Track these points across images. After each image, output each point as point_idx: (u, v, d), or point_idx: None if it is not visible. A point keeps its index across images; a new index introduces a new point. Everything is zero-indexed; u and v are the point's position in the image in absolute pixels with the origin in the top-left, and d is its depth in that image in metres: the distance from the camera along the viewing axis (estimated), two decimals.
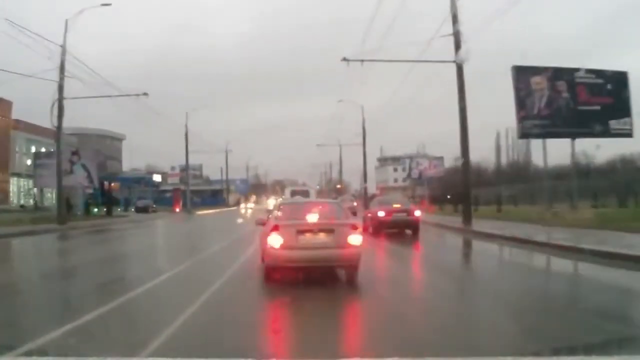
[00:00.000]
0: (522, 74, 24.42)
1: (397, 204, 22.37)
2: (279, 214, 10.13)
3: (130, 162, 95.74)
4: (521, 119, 24.16)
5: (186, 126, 54.65)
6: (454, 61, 24.28)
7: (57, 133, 32.53)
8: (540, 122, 24.45)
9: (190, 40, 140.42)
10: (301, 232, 9.09)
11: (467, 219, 23.84)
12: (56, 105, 31.18)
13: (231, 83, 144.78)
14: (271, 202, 37.11)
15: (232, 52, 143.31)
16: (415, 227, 21.06)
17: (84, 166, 45.06)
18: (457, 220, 26.61)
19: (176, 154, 63.25)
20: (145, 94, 30.84)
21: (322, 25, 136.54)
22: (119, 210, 58.39)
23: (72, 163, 45.02)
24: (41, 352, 5.16)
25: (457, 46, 24.10)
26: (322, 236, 9.11)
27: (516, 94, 24.21)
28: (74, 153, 45.76)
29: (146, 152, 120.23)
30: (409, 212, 21.42)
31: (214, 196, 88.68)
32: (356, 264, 9.33)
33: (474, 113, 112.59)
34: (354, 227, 9.36)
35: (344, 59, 24.22)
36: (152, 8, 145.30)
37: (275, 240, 9.04)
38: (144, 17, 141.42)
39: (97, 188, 47.20)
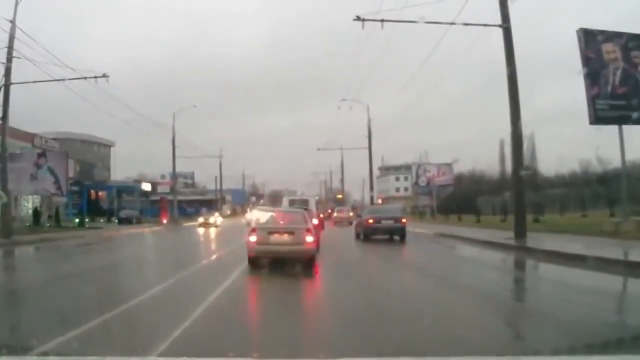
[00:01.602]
0: (592, 40, 17.83)
1: (386, 212, 24.11)
2: (260, 219, 13.54)
3: (124, 170, 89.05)
4: (594, 98, 17.43)
5: (173, 128, 48.07)
6: (500, 25, 17.86)
7: (2, 126, 25.76)
8: (615, 102, 17.75)
9: (198, 49, 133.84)
10: (271, 233, 12.24)
11: (521, 232, 17.09)
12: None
13: (234, 92, 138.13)
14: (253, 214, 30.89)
15: (238, 62, 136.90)
16: (402, 233, 22.01)
17: (50, 170, 38.31)
18: (496, 235, 20.01)
19: (178, 163, 57.55)
20: (105, 75, 24.08)
21: (330, 37, 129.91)
22: (101, 220, 52.10)
23: (38, 167, 38.38)
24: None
25: (503, 6, 17.73)
26: (286, 236, 12.15)
27: (585, 65, 17.54)
28: (41, 155, 39.08)
29: (142, 160, 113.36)
30: (397, 220, 22.40)
31: (209, 207, 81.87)
32: (312, 255, 12.36)
33: (476, 122, 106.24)
34: (309, 230, 12.25)
35: (358, 18, 17.55)
36: (163, 17, 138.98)
37: (253, 238, 12.13)
38: (154, 26, 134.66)
39: (65, 195, 40.30)
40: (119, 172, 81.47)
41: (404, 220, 22.66)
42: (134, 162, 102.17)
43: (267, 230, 12.21)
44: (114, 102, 45.89)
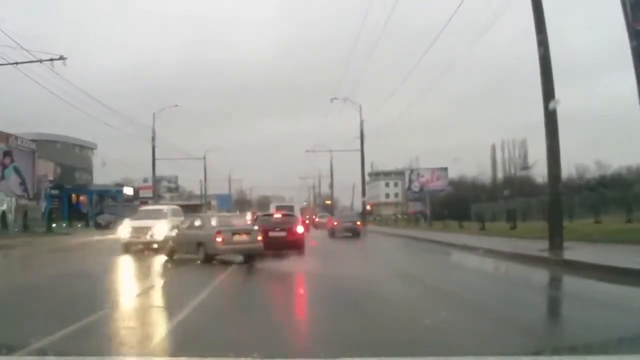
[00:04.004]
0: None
1: (347, 217, 33.89)
2: (220, 222, 15.77)
3: (110, 174, 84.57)
4: None
5: (153, 129, 44.06)
6: None
7: None
8: None
9: (193, 56, 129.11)
10: (234, 233, 14.75)
11: (558, 243, 13.54)
12: None
13: (225, 98, 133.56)
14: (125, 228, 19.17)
15: (233, 69, 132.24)
16: (357, 232, 29.90)
17: (17, 170, 34.37)
18: (520, 245, 16.53)
19: (161, 166, 53.76)
20: (62, 58, 20.36)
21: (330, 47, 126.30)
22: (79, 226, 48.34)
23: (4, 167, 34.40)
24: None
25: None
26: (244, 236, 14.90)
27: (633, 38, 14.07)
28: (6, 154, 35.03)
29: (129, 164, 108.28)
30: (354, 223, 30.84)
31: (194, 212, 77.55)
32: (262, 251, 15.02)
33: (466, 129, 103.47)
34: (258, 231, 15.44)
35: None
36: (165, 24, 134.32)
37: (219, 239, 14.22)
38: (157, 33, 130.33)
39: (32, 198, 36.21)
40: (106, 176, 77.27)
41: (359, 223, 31.67)
42: (119, 165, 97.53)
43: (231, 232, 14.73)
44: (96, 104, 42.07)
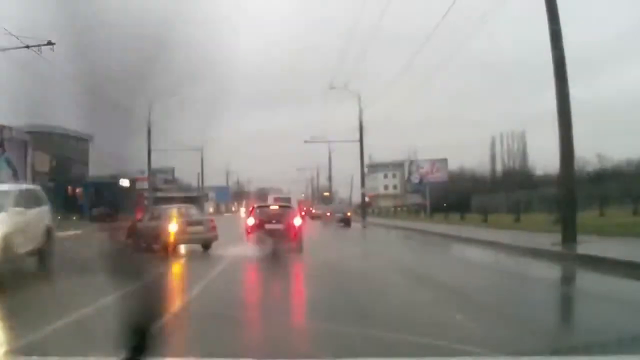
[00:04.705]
0: None
1: (339, 209, 38.80)
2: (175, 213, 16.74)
3: (106, 166, 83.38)
4: None
5: (149, 120, 42.93)
6: None
7: None
8: None
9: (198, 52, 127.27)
10: (189, 224, 15.80)
11: (571, 237, 12.71)
12: None
13: (227, 94, 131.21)
14: None
15: (235, 67, 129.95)
16: (348, 222, 33.79)
17: (8, 162, 33.45)
18: (529, 239, 15.70)
19: (159, 159, 53.47)
20: (50, 43, 19.42)
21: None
22: (74, 218, 47.57)
23: None
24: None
25: None
26: (199, 226, 15.98)
27: None
28: None
29: (126, 157, 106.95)
30: (344, 213, 35.34)
31: (193, 204, 76.63)
32: (217, 239, 16.21)
33: (463, 122, 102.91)
34: (213, 221, 16.78)
35: None
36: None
37: (172, 229, 15.29)
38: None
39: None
40: (101, 168, 76.28)
41: (349, 214, 36.07)
42: (115, 158, 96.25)
43: (186, 222, 15.74)
44: (93, 94, 41.02)
